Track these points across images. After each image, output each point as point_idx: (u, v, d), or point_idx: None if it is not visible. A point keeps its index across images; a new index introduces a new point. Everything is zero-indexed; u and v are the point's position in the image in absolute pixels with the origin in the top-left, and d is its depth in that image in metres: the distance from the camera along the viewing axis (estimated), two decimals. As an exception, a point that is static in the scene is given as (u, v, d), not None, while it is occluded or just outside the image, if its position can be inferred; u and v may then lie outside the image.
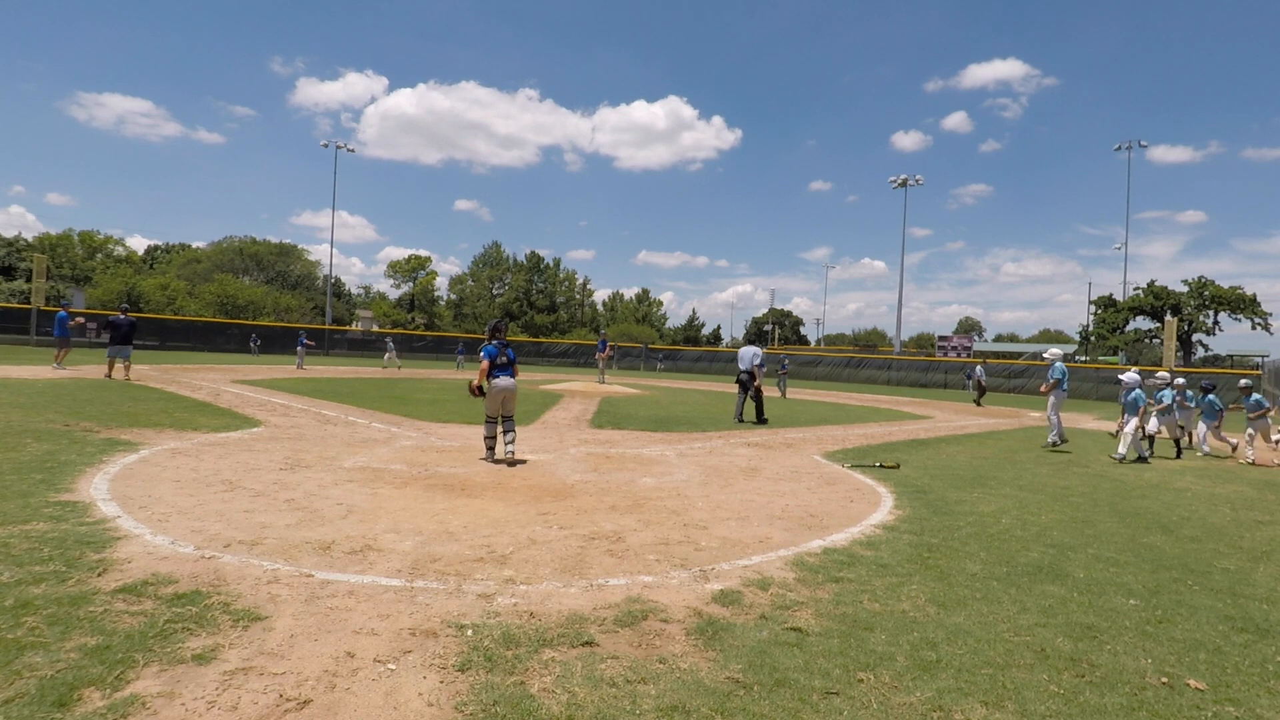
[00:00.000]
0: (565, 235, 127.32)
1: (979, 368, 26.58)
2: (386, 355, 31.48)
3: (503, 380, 8.13)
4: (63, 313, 18.47)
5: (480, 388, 8.25)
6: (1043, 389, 13.11)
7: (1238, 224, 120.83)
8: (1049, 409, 12.67)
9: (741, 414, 14.39)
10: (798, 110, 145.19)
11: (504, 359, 8.21)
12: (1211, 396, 12.98)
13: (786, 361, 28.24)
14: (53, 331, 18.58)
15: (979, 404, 24.56)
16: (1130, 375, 11.92)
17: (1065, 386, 12.75)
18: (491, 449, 8.19)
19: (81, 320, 18.70)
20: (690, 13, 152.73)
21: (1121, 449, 10.98)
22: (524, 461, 8.16)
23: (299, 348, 27.77)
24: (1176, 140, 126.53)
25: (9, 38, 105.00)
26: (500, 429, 8.25)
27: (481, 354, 8.23)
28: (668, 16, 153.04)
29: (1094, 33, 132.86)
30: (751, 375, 14.27)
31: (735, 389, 14.81)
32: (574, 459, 8.62)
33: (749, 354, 14.59)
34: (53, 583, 3.61)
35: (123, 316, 16.49)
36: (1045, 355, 13.54)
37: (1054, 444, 12.38)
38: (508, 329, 8.76)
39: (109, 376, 16.09)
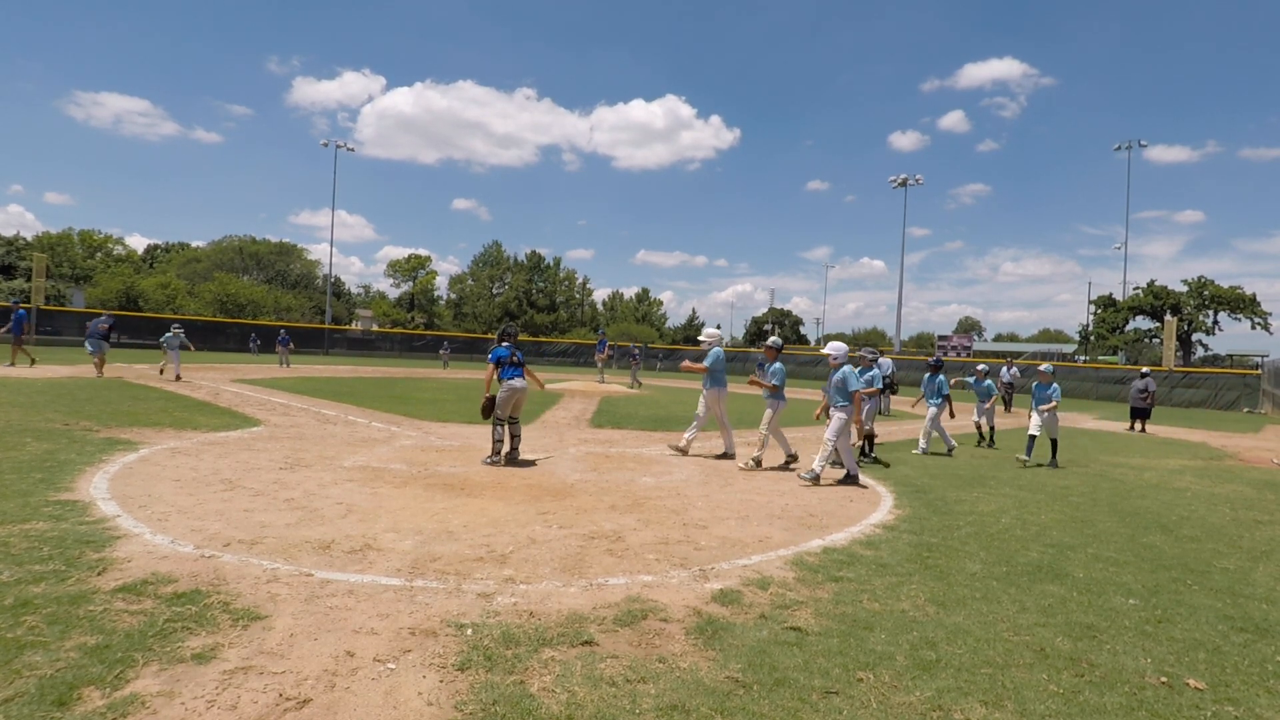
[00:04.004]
0: (564, 235, 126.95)
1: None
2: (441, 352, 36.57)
3: (515, 381, 8.08)
4: (21, 311, 18.76)
5: (493, 400, 7.99)
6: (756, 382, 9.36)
7: (1236, 224, 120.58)
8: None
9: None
10: (795, 110, 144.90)
11: (514, 359, 8.15)
12: (941, 377, 11.37)
13: (637, 350, 27.42)
14: (11, 330, 18.33)
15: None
16: (836, 346, 8.39)
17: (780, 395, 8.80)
18: (499, 451, 7.96)
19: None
20: (688, 12, 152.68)
21: (817, 463, 7.84)
22: (532, 463, 8.12)
23: (280, 346, 27.77)
24: (1174, 140, 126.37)
25: (6, 37, 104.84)
26: (507, 431, 8.13)
27: (490, 357, 8.11)
28: (665, 15, 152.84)
29: (1091, 32, 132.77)
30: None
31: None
32: (574, 458, 8.62)
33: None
34: (52, 582, 3.61)
35: (101, 318, 17.96)
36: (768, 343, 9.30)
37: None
38: (518, 333, 8.62)
39: (100, 373, 17.16)
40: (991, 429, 12.52)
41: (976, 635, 3.55)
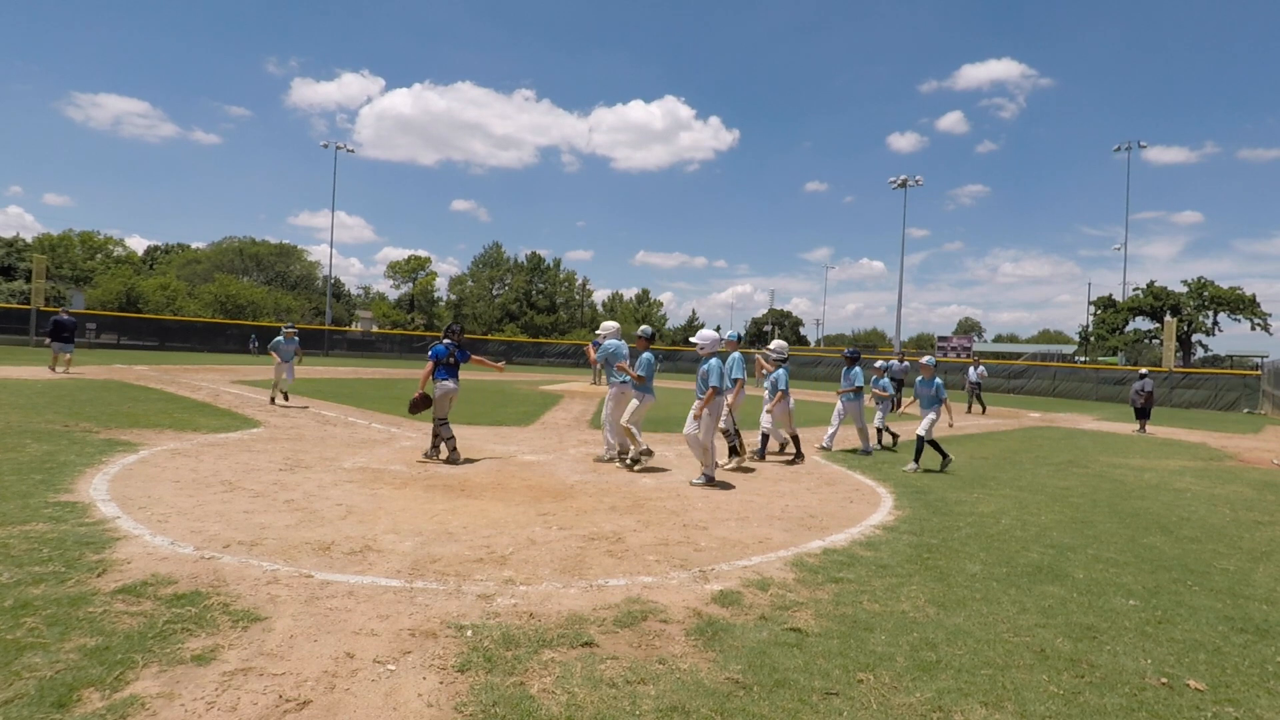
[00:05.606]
0: (563, 236, 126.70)
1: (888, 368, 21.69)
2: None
3: (446, 382, 8.06)
4: None
5: (426, 397, 8.00)
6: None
7: (1234, 225, 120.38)
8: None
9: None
10: (794, 111, 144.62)
11: (452, 360, 8.13)
12: (857, 369, 10.77)
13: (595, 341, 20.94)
14: None
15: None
16: (704, 335, 7.96)
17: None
18: (454, 449, 7.92)
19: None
20: (687, 13, 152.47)
21: (706, 468, 7.48)
22: (471, 461, 8.04)
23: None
24: (1172, 141, 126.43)
25: (4, 38, 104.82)
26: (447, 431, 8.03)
27: (429, 353, 8.09)
28: (665, 16, 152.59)
29: (1089, 33, 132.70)
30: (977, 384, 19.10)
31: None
32: (573, 459, 8.62)
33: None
34: (52, 583, 3.61)
35: (66, 316, 17.59)
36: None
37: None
38: (462, 331, 8.48)
39: (53, 369, 16.97)
40: (879, 430, 11.34)
41: (977, 636, 3.55)
